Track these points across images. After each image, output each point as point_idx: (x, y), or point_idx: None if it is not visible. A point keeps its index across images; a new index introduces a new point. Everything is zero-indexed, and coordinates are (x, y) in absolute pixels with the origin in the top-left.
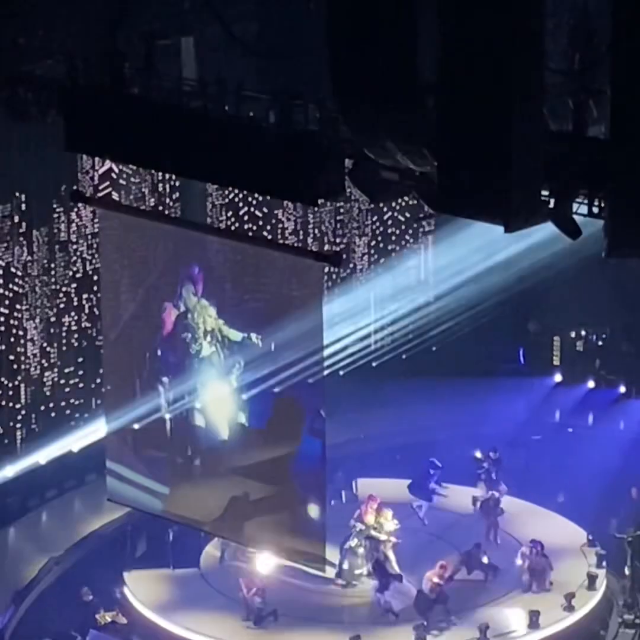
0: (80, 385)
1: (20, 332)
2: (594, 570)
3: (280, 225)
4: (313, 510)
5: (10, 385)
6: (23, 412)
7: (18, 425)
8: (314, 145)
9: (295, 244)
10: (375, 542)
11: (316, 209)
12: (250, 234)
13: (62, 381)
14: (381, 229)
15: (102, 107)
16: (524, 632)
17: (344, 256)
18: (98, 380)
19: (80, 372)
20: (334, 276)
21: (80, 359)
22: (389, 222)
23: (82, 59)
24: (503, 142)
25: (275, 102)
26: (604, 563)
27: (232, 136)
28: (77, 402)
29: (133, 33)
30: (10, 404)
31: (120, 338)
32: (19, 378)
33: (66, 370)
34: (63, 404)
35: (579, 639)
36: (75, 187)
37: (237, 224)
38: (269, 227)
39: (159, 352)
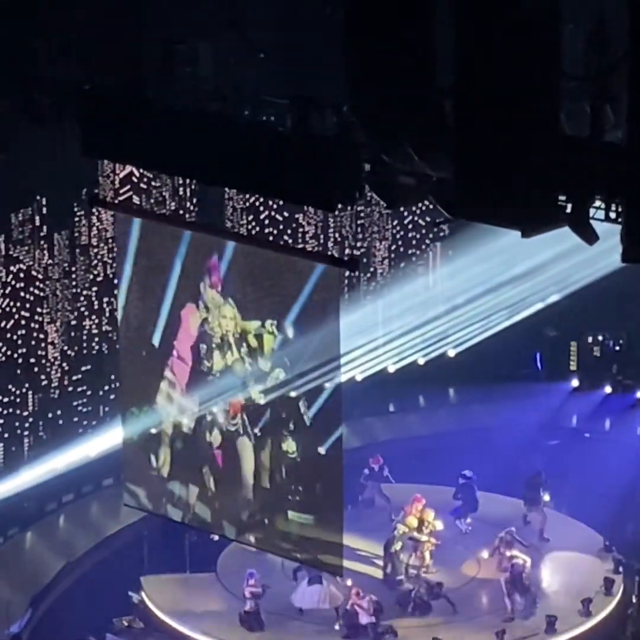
0: (89, 392)
1: (41, 336)
2: (611, 575)
3: (300, 229)
4: (330, 515)
5: (17, 392)
6: (30, 419)
7: (25, 433)
8: (331, 150)
9: (316, 248)
10: (415, 543)
11: (337, 213)
12: (270, 238)
13: (71, 389)
14: (402, 233)
15: (118, 111)
16: (541, 637)
17: (364, 260)
18: (106, 388)
19: (88, 379)
20: (354, 280)
21: (88, 366)
22: (410, 226)
23: (99, 64)
24: (520, 147)
25: (293, 106)
26: (621, 568)
27: (249, 141)
28: (85, 410)
29: (150, 37)
30: (18, 411)
31: (138, 342)
32: (27, 385)
33: (74, 378)
34: (70, 411)
35: None
36: (96, 191)
37: (257, 228)
38: (289, 231)
39: (175, 354)
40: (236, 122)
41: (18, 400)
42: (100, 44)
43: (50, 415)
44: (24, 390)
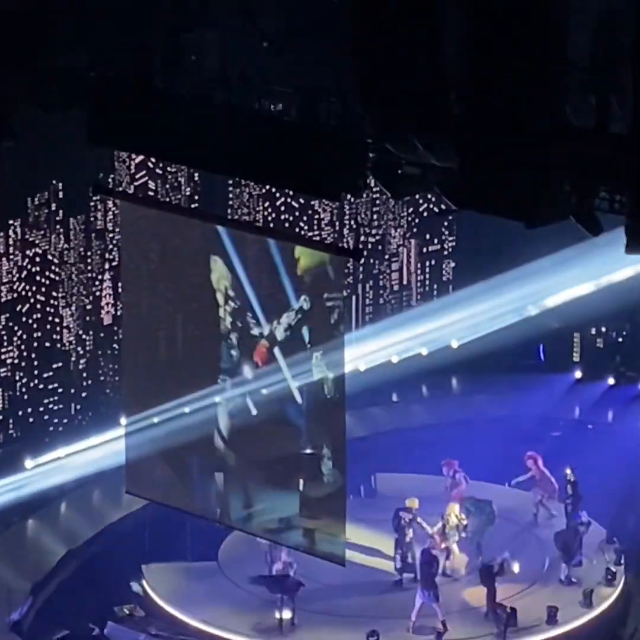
0: (60, 390)
1: (57, 320)
2: (612, 566)
3: (316, 217)
4: (333, 502)
5: None
6: (0, 417)
7: None
8: (336, 139)
9: (331, 235)
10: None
11: (352, 200)
12: (286, 225)
13: (41, 386)
14: (417, 220)
15: (125, 100)
16: (542, 627)
17: (379, 247)
18: (77, 386)
19: (56, 378)
20: (369, 268)
21: (59, 364)
22: (425, 214)
23: (107, 52)
24: (525, 138)
25: (298, 96)
26: (623, 559)
27: (254, 130)
28: (56, 408)
29: (157, 26)
30: None
31: (143, 332)
32: None
33: (45, 375)
34: (41, 409)
35: (597, 635)
36: (101, 178)
37: (273, 215)
38: (305, 218)
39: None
40: (242, 111)
41: None
42: (108, 32)
43: (20, 412)
44: None
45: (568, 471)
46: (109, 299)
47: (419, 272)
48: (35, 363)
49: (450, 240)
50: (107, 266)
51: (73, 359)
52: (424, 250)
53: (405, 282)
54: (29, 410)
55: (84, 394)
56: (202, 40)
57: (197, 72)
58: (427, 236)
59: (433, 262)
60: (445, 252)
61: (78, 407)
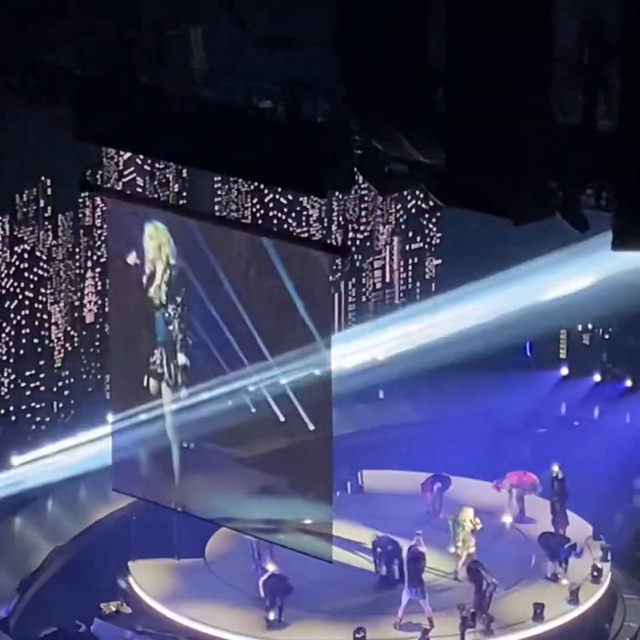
0: (42, 388)
1: (45, 316)
2: (598, 563)
3: (304, 213)
4: (320, 499)
5: None
6: None
7: None
8: (323, 136)
9: (320, 232)
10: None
11: (341, 196)
12: (274, 221)
13: (24, 384)
14: (405, 217)
15: (111, 96)
16: (528, 624)
17: (368, 244)
18: (60, 383)
19: (42, 375)
20: (357, 264)
21: (41, 362)
22: (413, 210)
23: (92, 49)
24: (512, 135)
25: (285, 93)
26: (609, 556)
27: (241, 127)
28: (38, 406)
29: (143, 22)
30: None
31: (130, 329)
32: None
33: (27, 373)
34: (23, 407)
35: (584, 632)
36: (87, 176)
37: (262, 211)
38: (293, 215)
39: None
40: (229, 108)
41: None
42: (94, 28)
43: (2, 411)
44: None
45: (555, 468)
46: (92, 297)
47: (402, 269)
48: (23, 360)
49: (437, 237)
50: (89, 264)
51: (61, 355)
52: (407, 247)
53: (388, 280)
54: (11, 408)
55: (66, 392)
56: (188, 37)
57: (184, 69)
58: (410, 234)
59: (416, 259)
60: (432, 250)
61: (60, 405)
